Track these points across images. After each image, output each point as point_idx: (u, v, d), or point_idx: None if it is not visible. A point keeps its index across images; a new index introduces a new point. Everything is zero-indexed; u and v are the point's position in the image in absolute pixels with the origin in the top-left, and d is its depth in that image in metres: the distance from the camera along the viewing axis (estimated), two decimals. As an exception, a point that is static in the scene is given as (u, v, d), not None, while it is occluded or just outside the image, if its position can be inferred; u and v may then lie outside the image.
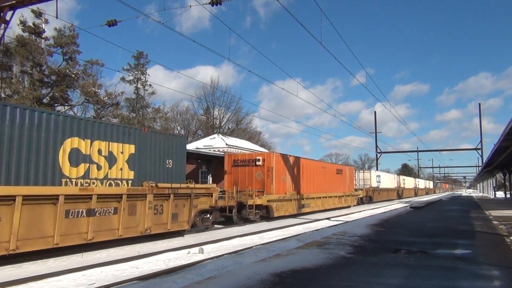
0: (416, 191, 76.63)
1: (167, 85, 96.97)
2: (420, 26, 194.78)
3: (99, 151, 11.79)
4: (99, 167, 11.73)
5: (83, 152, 11.29)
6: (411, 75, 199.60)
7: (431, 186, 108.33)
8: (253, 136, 60.70)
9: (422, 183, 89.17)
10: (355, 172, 42.14)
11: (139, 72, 45.24)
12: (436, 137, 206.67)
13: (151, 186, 12.59)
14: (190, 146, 36.27)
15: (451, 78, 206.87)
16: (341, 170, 32.71)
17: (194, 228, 15.67)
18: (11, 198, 8.86)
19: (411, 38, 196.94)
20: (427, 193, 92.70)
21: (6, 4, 12.19)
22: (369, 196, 41.76)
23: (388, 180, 51.98)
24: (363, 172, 44.74)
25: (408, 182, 69.65)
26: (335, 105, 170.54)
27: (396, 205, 37.71)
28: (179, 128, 58.25)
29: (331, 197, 29.30)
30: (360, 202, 38.70)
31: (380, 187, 46.27)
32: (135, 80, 44.89)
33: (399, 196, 57.98)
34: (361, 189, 39.66)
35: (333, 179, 30.07)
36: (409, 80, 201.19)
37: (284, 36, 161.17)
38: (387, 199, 49.64)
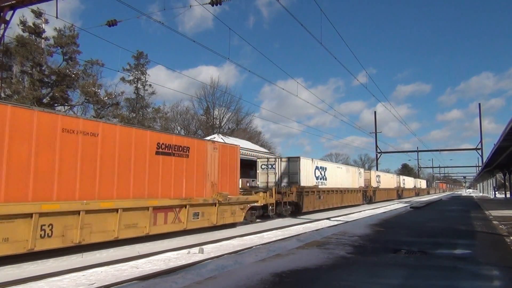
0: (401, 192, 58.87)
1: (169, 85, 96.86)
2: (422, 26, 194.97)
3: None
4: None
5: None
6: (413, 75, 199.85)
7: (424, 186, 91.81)
8: (253, 136, 60.64)
9: (410, 182, 71.17)
10: (264, 160, 26.27)
11: (139, 72, 45.26)
12: (437, 137, 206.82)
13: None
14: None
15: (453, 78, 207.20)
16: (183, 150, 14.44)
17: None
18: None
19: (414, 38, 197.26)
20: (417, 195, 76.25)
21: (6, 4, 12.20)
22: (295, 203, 23.89)
23: (343, 177, 33.71)
24: (288, 161, 25.74)
25: (387, 181, 51.47)
26: (337, 105, 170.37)
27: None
28: (179, 128, 58.25)
29: (126, 209, 11.83)
30: (274, 215, 21.42)
31: (322, 186, 28.24)
32: (135, 80, 44.91)
33: (369, 200, 40.79)
34: (265, 192, 20.72)
35: (141, 169, 12.70)
36: (411, 80, 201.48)
37: (287, 35, 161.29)
38: (340, 205, 31.56)
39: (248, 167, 30.61)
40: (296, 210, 24.22)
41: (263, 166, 26.31)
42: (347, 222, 19.28)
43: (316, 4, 14.35)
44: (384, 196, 47.75)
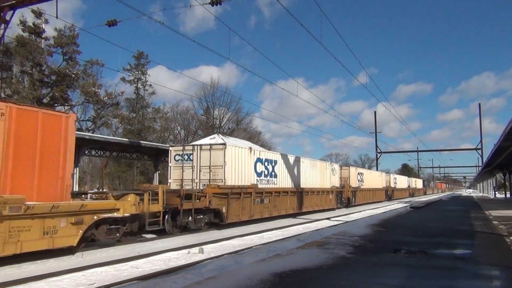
0: (391, 193, 51.54)
1: (170, 85, 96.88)
2: (423, 25, 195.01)
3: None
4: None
5: None
6: (414, 75, 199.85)
7: (420, 186, 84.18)
8: (253, 136, 60.56)
9: (402, 182, 62.93)
10: (179, 149, 18.47)
11: (139, 72, 45.32)
12: (438, 137, 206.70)
13: None
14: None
15: (454, 77, 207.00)
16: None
17: None
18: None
19: (415, 38, 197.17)
20: (412, 195, 68.33)
21: (6, 4, 12.18)
22: (214, 211, 16.42)
23: (306, 174, 25.82)
24: (209, 149, 17.84)
25: (372, 180, 42.79)
26: (338, 105, 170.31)
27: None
28: (179, 128, 58.30)
29: None
30: (174, 228, 14.83)
31: (266, 186, 20.71)
32: (135, 80, 44.95)
33: (347, 203, 33.14)
34: (141, 194, 12.93)
35: None
36: (412, 80, 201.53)
37: (288, 35, 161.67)
38: (299, 211, 23.97)
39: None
40: (219, 221, 16.69)
41: (177, 157, 18.44)
42: (347, 222, 19.31)
43: (316, 4, 14.37)
44: (368, 198, 40.03)
